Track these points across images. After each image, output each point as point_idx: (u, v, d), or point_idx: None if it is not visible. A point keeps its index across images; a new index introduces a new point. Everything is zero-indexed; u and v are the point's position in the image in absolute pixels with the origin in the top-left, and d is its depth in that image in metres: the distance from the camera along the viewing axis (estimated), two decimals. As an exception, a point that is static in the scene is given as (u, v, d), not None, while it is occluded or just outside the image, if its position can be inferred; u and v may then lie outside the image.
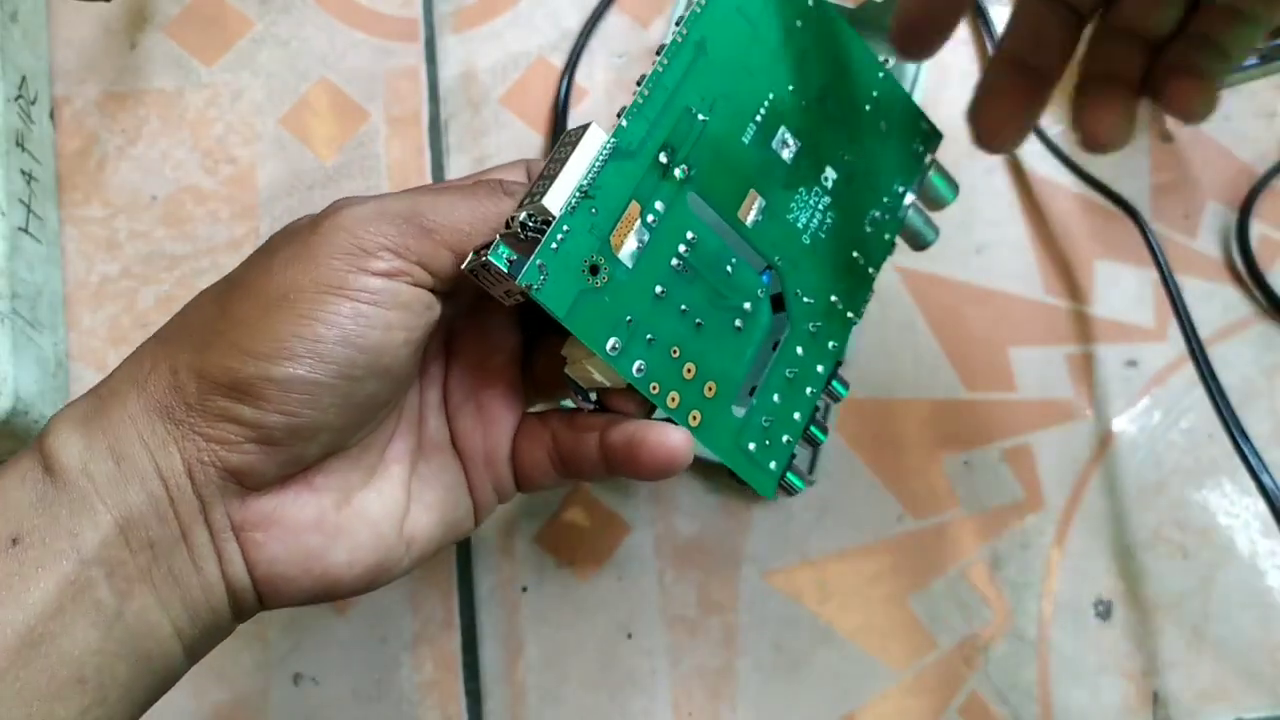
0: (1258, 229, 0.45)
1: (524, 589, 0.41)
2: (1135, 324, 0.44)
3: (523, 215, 0.26)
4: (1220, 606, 0.41)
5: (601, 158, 0.26)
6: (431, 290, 0.27)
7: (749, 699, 0.40)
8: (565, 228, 0.26)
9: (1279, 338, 0.44)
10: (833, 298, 0.32)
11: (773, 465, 0.31)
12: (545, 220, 0.26)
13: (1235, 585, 0.41)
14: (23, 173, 0.42)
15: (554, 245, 0.25)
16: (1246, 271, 0.45)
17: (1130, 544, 0.42)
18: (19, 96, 0.42)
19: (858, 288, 0.32)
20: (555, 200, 0.26)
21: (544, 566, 0.41)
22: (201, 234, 0.44)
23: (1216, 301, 0.45)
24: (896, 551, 0.42)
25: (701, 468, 0.42)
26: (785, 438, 0.31)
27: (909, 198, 0.34)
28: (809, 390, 0.31)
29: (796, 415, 0.31)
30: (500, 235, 0.26)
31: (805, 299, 0.31)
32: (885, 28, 0.44)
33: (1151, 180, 0.47)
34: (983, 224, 0.46)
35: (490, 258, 0.25)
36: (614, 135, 0.27)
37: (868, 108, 0.33)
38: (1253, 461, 0.37)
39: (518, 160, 0.30)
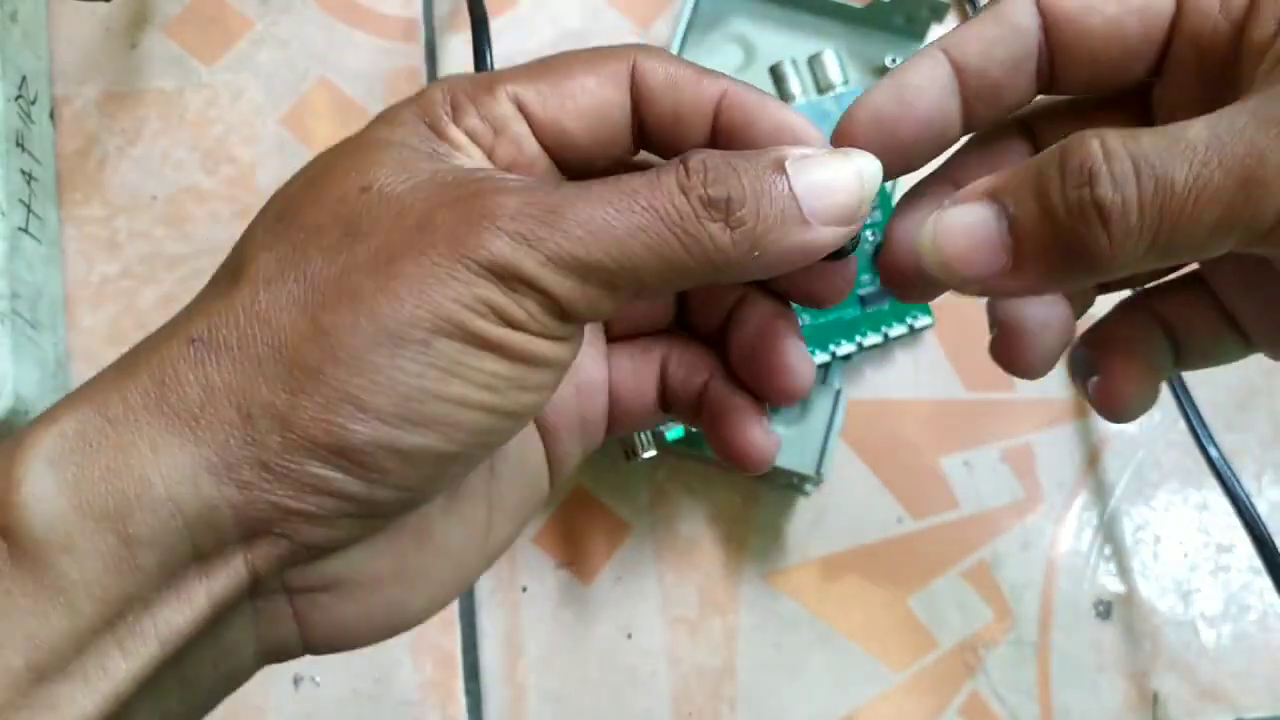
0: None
1: (524, 589, 0.41)
2: (1135, 324, 0.45)
3: None
4: (1220, 606, 0.41)
5: None
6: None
7: (749, 699, 0.40)
8: None
9: (1279, 338, 0.44)
10: None
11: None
12: None
13: (1235, 585, 0.41)
14: (23, 173, 0.42)
15: None
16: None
17: (1130, 544, 0.42)
18: (19, 96, 0.42)
19: None
20: None
21: (544, 567, 0.41)
22: (201, 234, 0.44)
23: (1216, 301, 0.45)
24: (896, 551, 0.42)
25: (702, 467, 0.42)
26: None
27: None
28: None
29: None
30: None
31: None
32: (892, 28, 0.44)
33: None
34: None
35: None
36: None
37: None
38: (1220, 468, 0.38)
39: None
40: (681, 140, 0.23)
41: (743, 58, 0.45)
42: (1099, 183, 0.19)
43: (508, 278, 0.19)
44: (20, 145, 0.42)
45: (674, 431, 0.37)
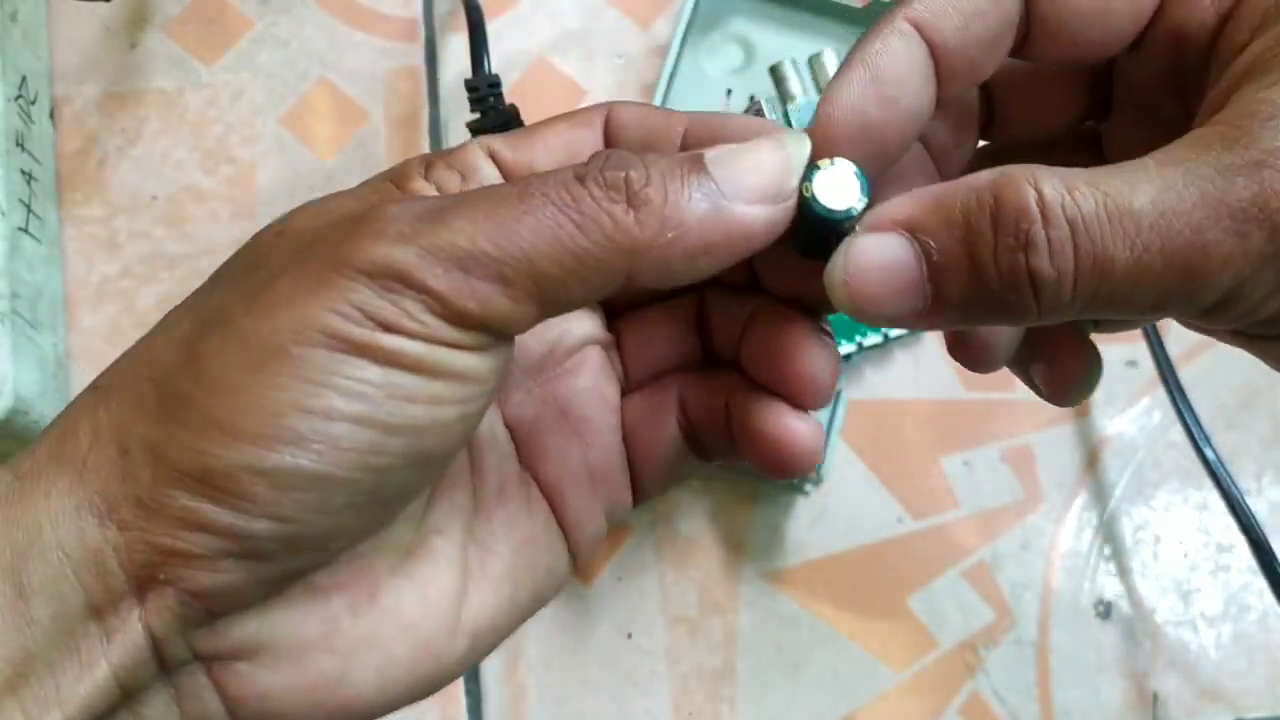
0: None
1: (524, 589, 0.41)
2: (1135, 324, 0.45)
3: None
4: (1220, 606, 0.41)
5: None
6: (501, 336, 0.19)
7: (749, 699, 0.40)
8: None
9: (1279, 338, 0.44)
10: None
11: None
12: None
13: (1235, 585, 0.41)
14: (23, 173, 0.42)
15: None
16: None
17: (1130, 544, 0.42)
18: (19, 96, 0.42)
19: None
20: None
21: (544, 566, 0.41)
22: (201, 234, 0.44)
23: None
24: (896, 551, 0.42)
25: (703, 467, 0.42)
26: None
27: None
28: None
29: None
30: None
31: None
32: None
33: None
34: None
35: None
36: None
37: None
38: (1216, 470, 0.38)
39: (590, 109, 0.24)
40: None
41: (743, 58, 0.45)
42: (1035, 251, 0.18)
43: (383, 276, 0.18)
44: (20, 145, 0.42)
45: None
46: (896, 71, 0.21)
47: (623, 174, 0.19)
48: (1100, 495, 0.42)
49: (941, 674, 0.41)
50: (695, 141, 0.23)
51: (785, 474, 0.23)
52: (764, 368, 0.23)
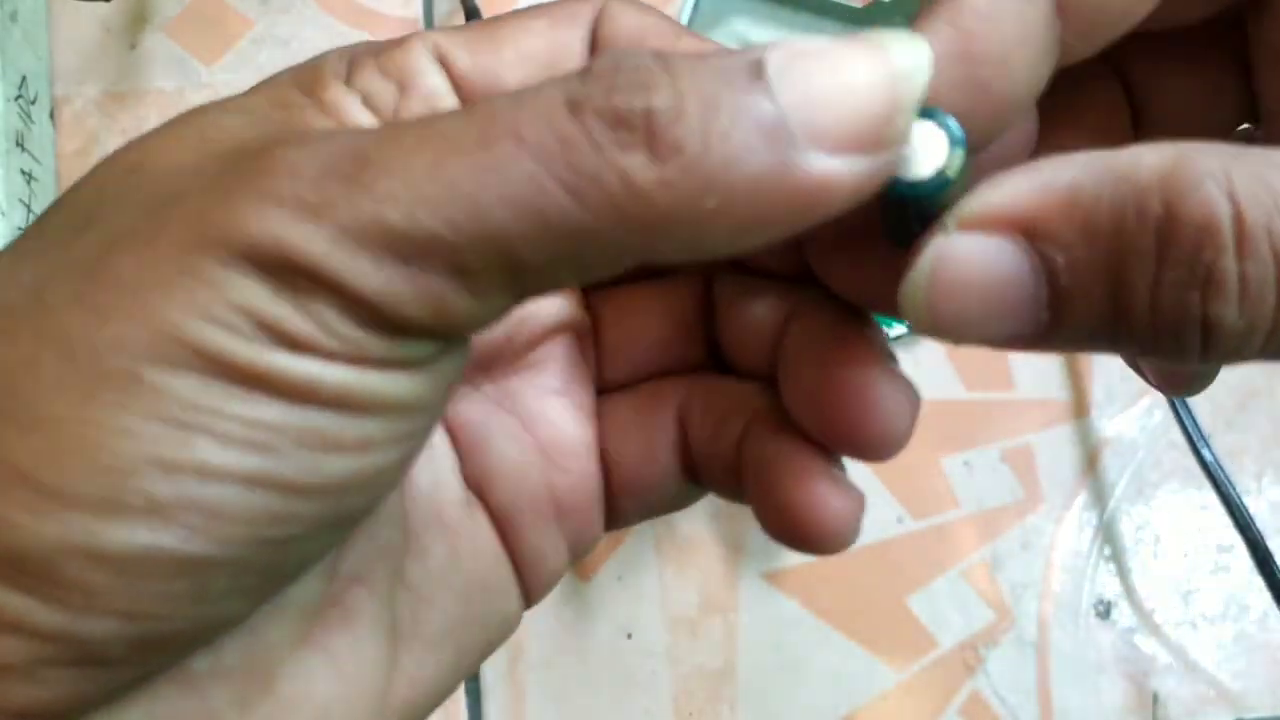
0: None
1: (524, 589, 0.41)
2: (1135, 324, 0.44)
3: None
4: (1220, 606, 0.41)
5: None
6: (455, 339, 0.14)
7: (749, 699, 0.40)
8: None
9: (1279, 338, 0.44)
10: None
11: None
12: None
13: (1235, 585, 0.41)
14: (23, 173, 0.42)
15: None
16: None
17: (1130, 544, 0.42)
18: (19, 96, 0.42)
19: None
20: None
21: (544, 566, 0.41)
22: (201, 234, 0.44)
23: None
24: (896, 551, 0.42)
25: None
26: None
27: None
28: None
29: None
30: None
31: None
32: (892, 27, 0.44)
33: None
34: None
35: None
36: None
37: None
38: (1214, 471, 0.37)
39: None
40: None
41: (743, 58, 0.45)
42: (1218, 294, 0.12)
43: (280, 268, 0.12)
44: (20, 145, 0.42)
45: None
46: (998, 41, 0.15)
47: (642, 100, 0.12)
48: (1100, 495, 0.42)
49: (941, 674, 0.41)
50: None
51: (805, 550, 0.18)
52: (812, 400, 0.17)
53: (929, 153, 0.14)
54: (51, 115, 0.45)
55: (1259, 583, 0.41)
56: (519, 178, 0.12)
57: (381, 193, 0.12)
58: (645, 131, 0.12)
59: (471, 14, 0.41)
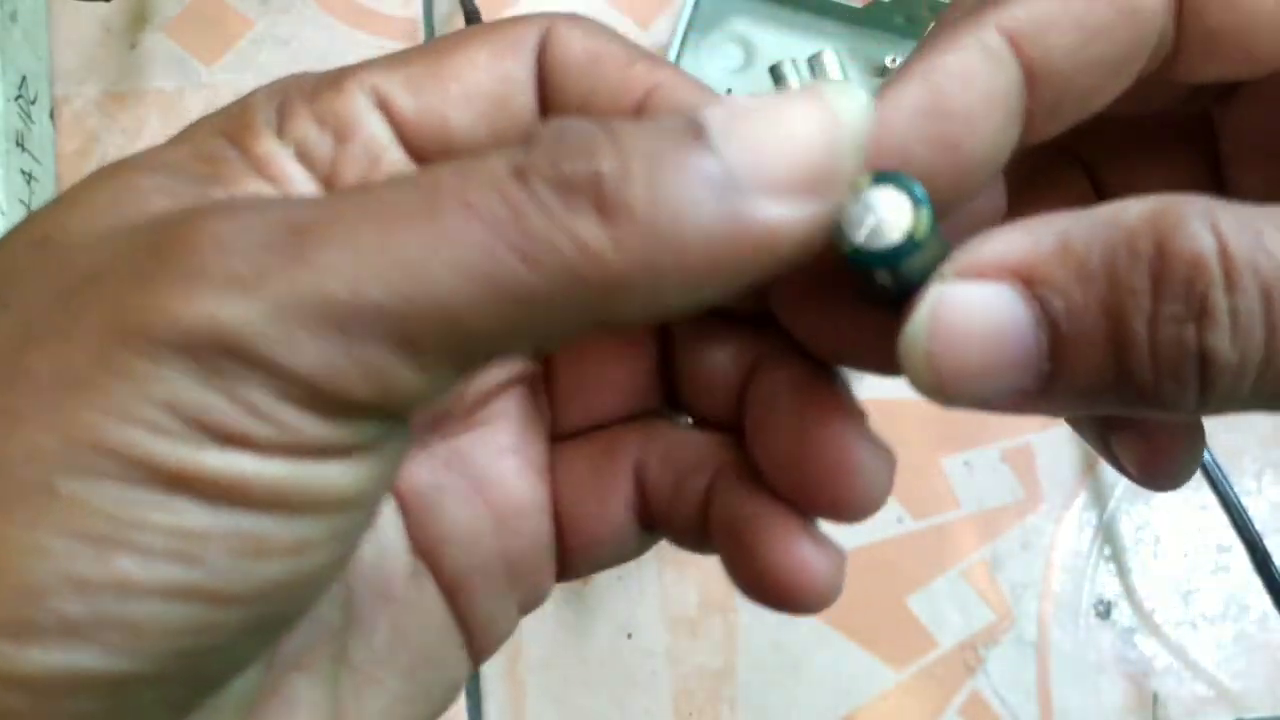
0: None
1: (524, 589, 0.41)
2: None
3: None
4: (1220, 606, 0.41)
5: None
6: (399, 417, 0.13)
7: (749, 699, 0.40)
8: None
9: None
10: None
11: None
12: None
13: (1235, 585, 0.41)
14: (23, 173, 0.42)
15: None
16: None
17: (1130, 544, 0.42)
18: (19, 96, 0.42)
19: None
20: None
21: (544, 566, 0.41)
22: (201, 234, 0.44)
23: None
24: (896, 551, 0.42)
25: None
26: None
27: None
28: None
29: None
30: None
31: None
32: (892, 27, 0.44)
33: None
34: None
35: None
36: None
37: None
38: (1212, 471, 0.37)
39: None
40: None
41: (743, 58, 0.45)
42: (1211, 326, 0.12)
43: (209, 351, 0.12)
44: (20, 145, 0.42)
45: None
46: (968, 101, 0.15)
47: (587, 165, 0.12)
48: (1100, 495, 0.42)
49: (941, 674, 0.41)
50: (663, 103, 0.16)
51: (786, 611, 0.17)
52: (786, 462, 0.17)
53: (896, 217, 0.14)
54: (51, 115, 0.45)
55: (1258, 583, 0.41)
56: (469, 245, 0.12)
57: (321, 264, 0.12)
58: (594, 195, 0.12)
59: (471, 15, 0.41)
